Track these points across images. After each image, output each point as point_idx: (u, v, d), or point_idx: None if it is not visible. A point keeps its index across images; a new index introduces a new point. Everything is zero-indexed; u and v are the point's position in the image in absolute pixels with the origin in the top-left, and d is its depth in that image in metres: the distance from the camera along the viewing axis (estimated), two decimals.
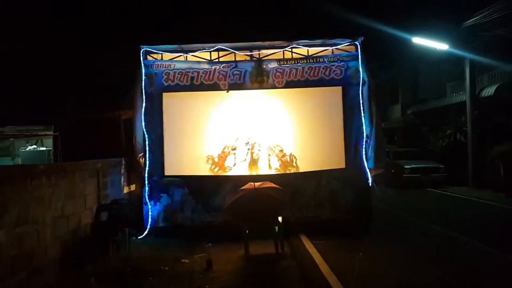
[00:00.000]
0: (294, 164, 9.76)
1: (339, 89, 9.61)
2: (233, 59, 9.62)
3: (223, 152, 9.72)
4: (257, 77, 9.49)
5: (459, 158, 18.04)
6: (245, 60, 9.64)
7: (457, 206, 13.71)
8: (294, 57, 9.65)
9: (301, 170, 9.69)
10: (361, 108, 9.37)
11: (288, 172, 9.70)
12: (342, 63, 9.49)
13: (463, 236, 8.87)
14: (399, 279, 6.27)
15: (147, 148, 9.34)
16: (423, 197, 15.87)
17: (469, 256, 7.52)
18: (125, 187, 9.69)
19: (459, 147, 18.51)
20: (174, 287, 6.11)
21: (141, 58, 9.42)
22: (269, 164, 9.79)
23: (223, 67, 9.49)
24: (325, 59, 9.53)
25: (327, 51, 9.66)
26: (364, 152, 9.32)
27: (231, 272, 6.86)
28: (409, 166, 18.13)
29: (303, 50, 9.67)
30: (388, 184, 17.45)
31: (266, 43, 9.61)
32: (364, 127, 9.33)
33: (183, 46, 9.55)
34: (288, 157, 9.78)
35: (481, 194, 15.17)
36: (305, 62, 9.54)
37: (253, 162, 9.77)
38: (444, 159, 18.94)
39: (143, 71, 9.39)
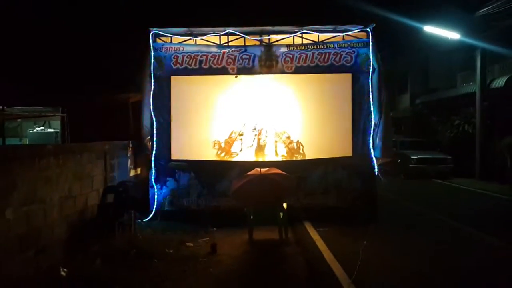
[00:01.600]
0: (301, 151, 9.72)
1: (348, 76, 9.52)
2: (243, 44, 9.54)
3: (230, 137, 9.70)
4: (266, 62, 9.41)
5: (467, 150, 17.93)
6: (255, 44, 9.55)
7: (462, 197, 13.68)
8: (304, 42, 9.56)
9: (307, 157, 9.66)
10: (370, 96, 9.30)
11: (294, 159, 9.68)
12: (352, 50, 9.38)
13: (467, 227, 8.88)
14: (402, 268, 6.29)
15: (154, 132, 9.35)
16: (429, 187, 15.83)
17: (473, 247, 7.52)
18: (131, 170, 9.73)
19: (467, 139, 18.38)
20: (178, 269, 6.14)
21: (150, 41, 9.37)
22: (276, 151, 9.76)
23: (232, 51, 9.41)
24: (336, 45, 9.43)
25: (337, 37, 9.55)
26: (371, 141, 9.29)
27: (235, 256, 6.90)
28: (416, 157, 18.05)
29: (313, 36, 9.57)
30: (394, 173, 17.45)
31: (276, 28, 9.50)
32: (372, 115, 9.27)
33: (192, 29, 9.48)
34: (295, 144, 9.74)
35: (487, 186, 15.12)
36: (315, 47, 9.43)
37: (260, 148, 9.75)
38: (452, 150, 18.84)
39: (152, 54, 9.35)
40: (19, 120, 17.59)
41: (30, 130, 17.63)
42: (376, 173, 9.29)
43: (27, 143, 16.74)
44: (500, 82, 18.58)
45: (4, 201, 4.92)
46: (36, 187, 5.60)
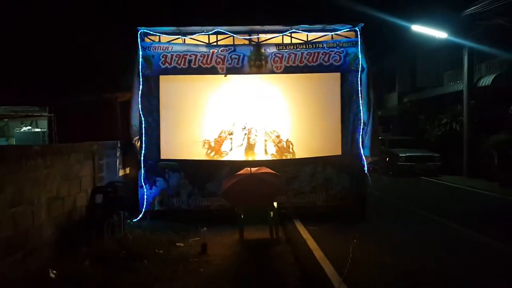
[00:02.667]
0: (291, 150, 9.75)
1: (337, 75, 9.57)
2: (232, 43, 9.52)
3: (219, 136, 9.69)
4: (255, 62, 9.41)
5: (454, 147, 18.11)
6: (244, 44, 9.54)
7: (450, 194, 13.82)
8: (293, 42, 9.57)
9: (297, 156, 9.69)
10: (359, 95, 9.35)
11: (284, 158, 9.70)
12: (341, 49, 9.43)
13: (456, 224, 8.96)
14: (392, 266, 6.32)
15: (143, 131, 9.30)
16: (417, 185, 15.97)
17: (462, 244, 7.58)
18: (120, 170, 9.65)
19: (454, 136, 18.56)
20: (169, 270, 6.10)
21: (139, 40, 9.31)
22: (266, 150, 9.78)
23: (221, 50, 9.40)
24: (325, 45, 9.46)
25: (326, 36, 9.58)
26: (360, 139, 9.33)
27: (225, 256, 6.89)
28: (404, 155, 18.19)
29: (302, 35, 9.58)
30: (383, 172, 17.56)
31: (265, 27, 9.50)
32: (361, 114, 9.32)
33: (181, 28, 9.44)
34: (284, 143, 9.77)
35: (475, 183, 15.27)
36: (304, 47, 9.46)
37: (250, 147, 9.76)
38: (440, 148, 19.02)
39: (140, 53, 9.29)
40: (5, 120, 17.36)
41: (17, 130, 17.39)
42: (365, 172, 9.35)
43: (14, 143, 16.54)
44: (487, 80, 18.82)
45: None
46: (24, 188, 5.52)
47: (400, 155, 18.21)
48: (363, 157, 9.33)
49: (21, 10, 12.65)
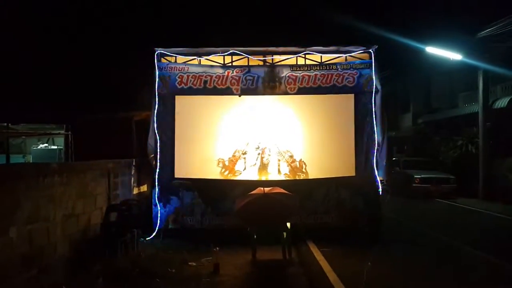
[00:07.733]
0: (304, 170, 9.74)
1: (351, 96, 9.60)
2: (246, 64, 9.65)
3: (233, 156, 9.74)
4: (269, 83, 9.52)
5: (470, 170, 17.88)
6: (258, 65, 9.66)
7: (466, 218, 13.58)
8: (307, 63, 9.66)
9: (310, 177, 9.67)
10: (373, 116, 9.35)
11: (297, 178, 9.69)
12: (355, 71, 9.48)
13: (472, 248, 8.79)
14: None
15: (158, 150, 9.39)
16: (432, 207, 15.73)
17: (480, 269, 7.43)
18: (135, 188, 9.74)
19: (470, 158, 18.35)
20: None
21: (155, 60, 9.49)
22: (279, 170, 9.78)
23: (236, 71, 9.53)
24: (338, 67, 9.53)
25: (340, 58, 9.66)
26: (375, 161, 9.29)
27: (238, 276, 6.85)
28: (419, 176, 17.98)
29: (316, 57, 9.68)
30: (397, 193, 17.38)
31: (280, 48, 9.63)
32: (375, 135, 9.30)
33: (196, 49, 9.60)
34: (297, 163, 9.76)
35: (490, 206, 15.01)
36: (318, 68, 9.55)
37: (263, 167, 9.77)
38: (455, 170, 18.79)
39: (157, 73, 9.46)
40: (23, 137, 17.65)
41: (34, 147, 17.64)
42: (380, 193, 9.28)
43: (31, 160, 16.78)
44: (502, 102, 18.64)
45: (8, 220, 4.93)
46: (40, 205, 5.61)
47: (415, 176, 18.02)
48: (377, 179, 9.27)
49: (39, 30, 12.97)
